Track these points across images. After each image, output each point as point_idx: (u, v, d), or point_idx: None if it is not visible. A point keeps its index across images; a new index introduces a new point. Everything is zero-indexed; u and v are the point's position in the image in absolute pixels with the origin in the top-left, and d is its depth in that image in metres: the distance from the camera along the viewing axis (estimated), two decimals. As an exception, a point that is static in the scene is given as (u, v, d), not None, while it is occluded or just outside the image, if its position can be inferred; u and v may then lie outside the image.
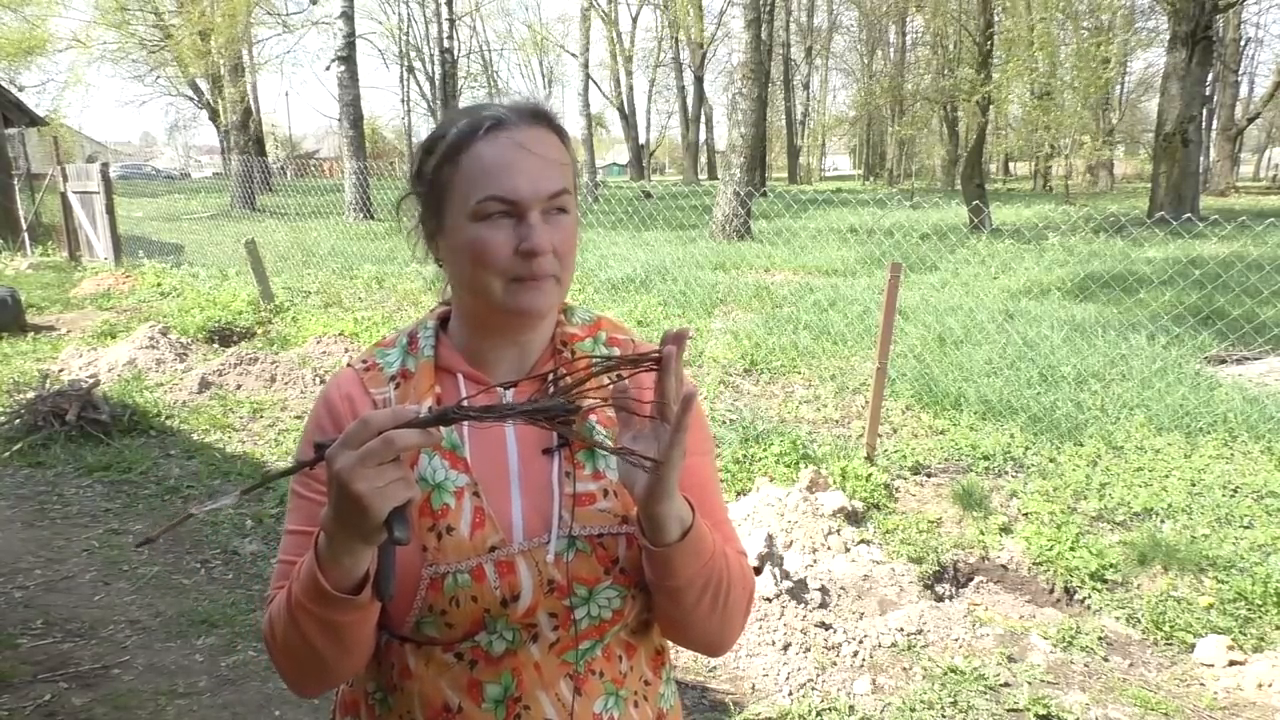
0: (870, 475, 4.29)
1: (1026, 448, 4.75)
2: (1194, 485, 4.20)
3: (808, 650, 3.01)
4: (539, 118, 0.96)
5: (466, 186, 0.93)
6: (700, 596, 0.94)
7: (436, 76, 36.60)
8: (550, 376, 1.00)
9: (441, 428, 0.82)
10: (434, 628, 0.92)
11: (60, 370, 6.69)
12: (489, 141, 0.92)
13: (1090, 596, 3.41)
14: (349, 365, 1.04)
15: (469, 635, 0.92)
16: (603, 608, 0.94)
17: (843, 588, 3.37)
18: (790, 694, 2.81)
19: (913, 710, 2.71)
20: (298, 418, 5.68)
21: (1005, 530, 3.88)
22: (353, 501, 0.76)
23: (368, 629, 0.90)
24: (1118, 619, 3.28)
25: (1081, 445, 4.73)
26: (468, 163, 0.93)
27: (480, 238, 0.92)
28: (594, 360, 0.83)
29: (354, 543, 0.81)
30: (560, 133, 0.99)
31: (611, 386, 0.95)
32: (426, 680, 0.94)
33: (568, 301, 1.08)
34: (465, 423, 0.95)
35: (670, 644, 1.11)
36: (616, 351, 1.05)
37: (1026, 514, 4.00)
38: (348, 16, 16.87)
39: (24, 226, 14.22)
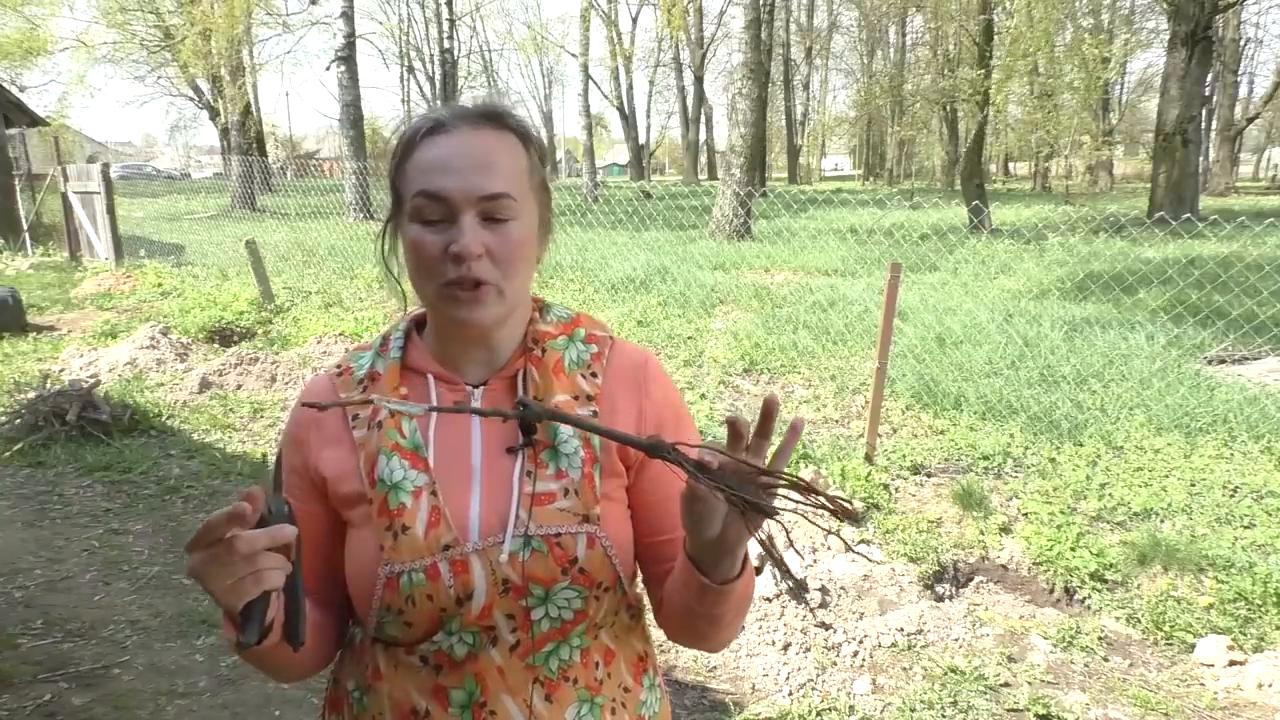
0: (870, 475, 4.29)
1: (1026, 448, 4.75)
2: (1194, 485, 4.20)
3: (808, 650, 3.01)
4: (489, 119, 0.95)
5: (407, 188, 0.94)
6: (736, 614, 0.96)
7: (436, 77, 36.59)
8: (520, 377, 1.00)
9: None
10: (394, 627, 0.93)
11: (61, 370, 6.69)
12: (428, 143, 0.93)
13: (1090, 596, 3.41)
14: (325, 371, 1.06)
15: (428, 635, 0.93)
16: (562, 608, 0.93)
17: (843, 588, 3.37)
18: (790, 694, 2.81)
19: (913, 710, 2.71)
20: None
21: (1005, 530, 3.88)
22: (210, 595, 0.81)
23: (294, 659, 0.93)
24: (1118, 619, 3.28)
25: (1081, 445, 4.73)
26: (410, 165, 0.94)
27: (416, 239, 0.93)
28: (782, 478, 0.80)
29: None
30: (520, 133, 0.97)
31: (583, 391, 0.97)
32: (395, 683, 0.95)
33: (544, 298, 1.08)
34: (430, 429, 0.97)
35: (657, 651, 1.10)
36: (594, 349, 1.04)
37: (1026, 514, 4.00)
38: (348, 16, 16.86)
39: (25, 227, 14.23)
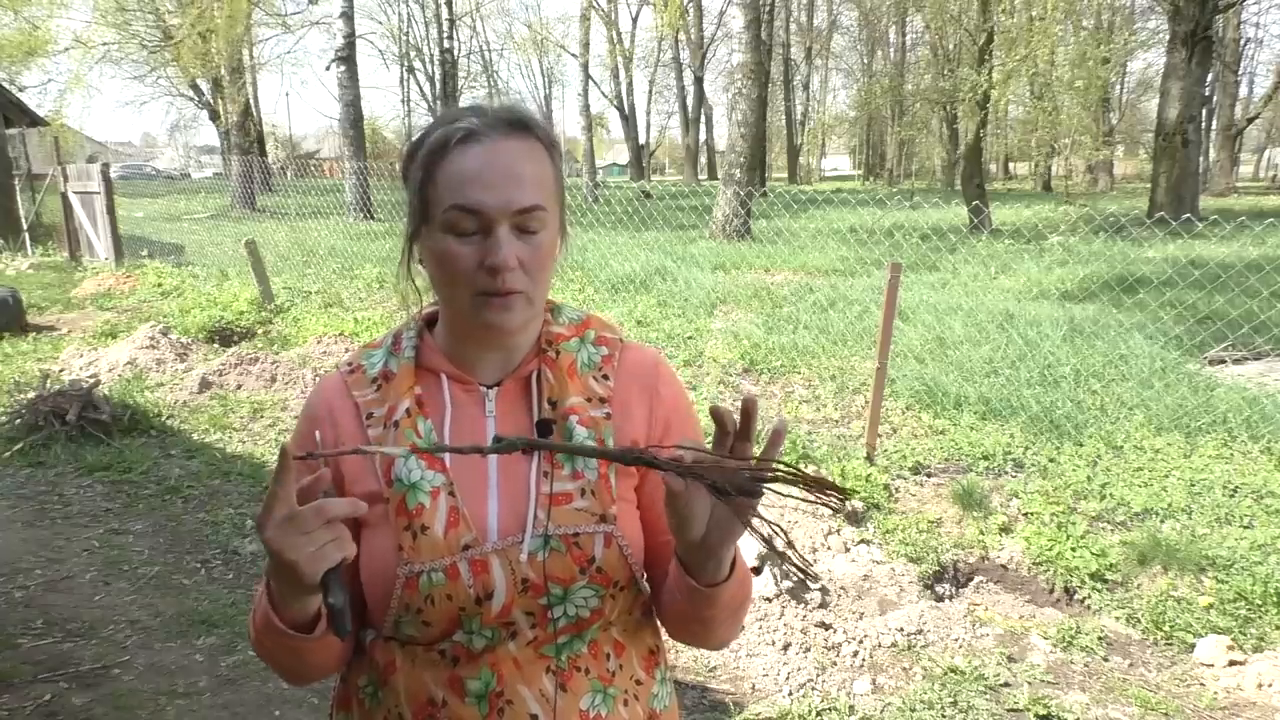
0: (870, 475, 4.29)
1: (1026, 448, 4.75)
2: (1194, 485, 4.20)
3: (808, 650, 3.01)
4: (517, 126, 0.94)
5: (437, 197, 0.93)
6: (729, 618, 0.98)
7: (436, 77, 36.61)
8: (534, 377, 1.01)
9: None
10: (412, 627, 0.93)
11: (61, 370, 6.69)
12: (460, 152, 0.92)
13: (1090, 596, 3.41)
14: (336, 369, 1.06)
15: (446, 634, 0.93)
16: (580, 607, 0.94)
17: (843, 588, 3.37)
18: (790, 694, 2.81)
19: (913, 710, 2.71)
20: (298, 418, 5.68)
21: (1005, 530, 3.88)
22: (287, 568, 0.80)
23: (330, 652, 0.93)
24: (1118, 619, 3.28)
25: (1081, 445, 4.73)
26: (440, 173, 0.92)
27: (448, 250, 0.93)
28: (777, 468, 0.81)
29: (297, 597, 0.85)
30: (546, 141, 0.97)
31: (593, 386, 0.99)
32: (411, 675, 0.95)
33: (555, 300, 1.09)
34: (445, 428, 0.98)
35: (667, 645, 1.11)
36: (605, 351, 1.05)
37: (1026, 514, 4.00)
38: (348, 16, 16.86)
39: (25, 226, 14.22)
